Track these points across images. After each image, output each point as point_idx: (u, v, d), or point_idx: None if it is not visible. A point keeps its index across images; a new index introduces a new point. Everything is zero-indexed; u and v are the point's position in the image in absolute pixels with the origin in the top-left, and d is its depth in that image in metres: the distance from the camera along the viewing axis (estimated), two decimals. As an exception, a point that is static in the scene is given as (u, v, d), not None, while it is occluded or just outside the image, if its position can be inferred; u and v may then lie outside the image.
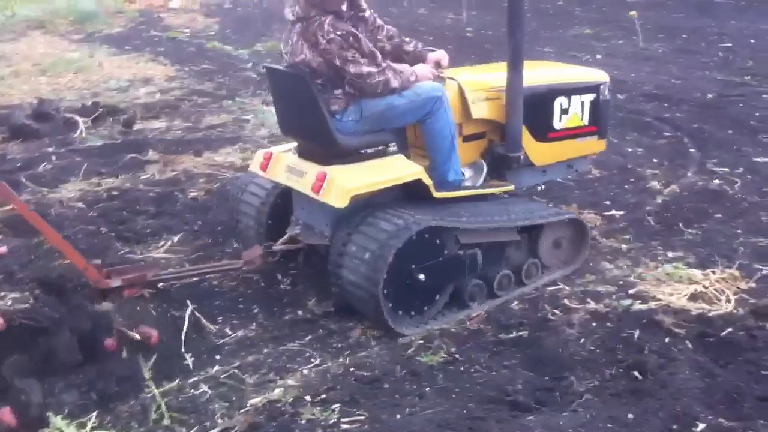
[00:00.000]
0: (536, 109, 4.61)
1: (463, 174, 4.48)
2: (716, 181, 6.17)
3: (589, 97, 4.82)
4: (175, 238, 5.11)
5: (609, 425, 3.14)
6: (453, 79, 4.50)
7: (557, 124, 4.74)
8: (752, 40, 12.77)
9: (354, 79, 4.04)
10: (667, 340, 3.77)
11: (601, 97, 4.87)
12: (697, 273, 4.52)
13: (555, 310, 4.14)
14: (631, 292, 4.32)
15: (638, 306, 4.14)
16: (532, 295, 4.36)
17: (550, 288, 4.42)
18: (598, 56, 11.82)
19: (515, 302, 4.28)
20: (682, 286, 4.37)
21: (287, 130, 4.47)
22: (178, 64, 10.76)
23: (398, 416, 3.24)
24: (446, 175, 4.34)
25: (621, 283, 4.46)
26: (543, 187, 5.07)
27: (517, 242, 4.47)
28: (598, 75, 5.00)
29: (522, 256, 4.53)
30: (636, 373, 3.50)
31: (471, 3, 16.14)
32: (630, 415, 3.21)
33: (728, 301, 4.21)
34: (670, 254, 4.85)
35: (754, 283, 4.43)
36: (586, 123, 4.85)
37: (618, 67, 10.60)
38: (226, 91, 9.05)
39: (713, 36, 13.21)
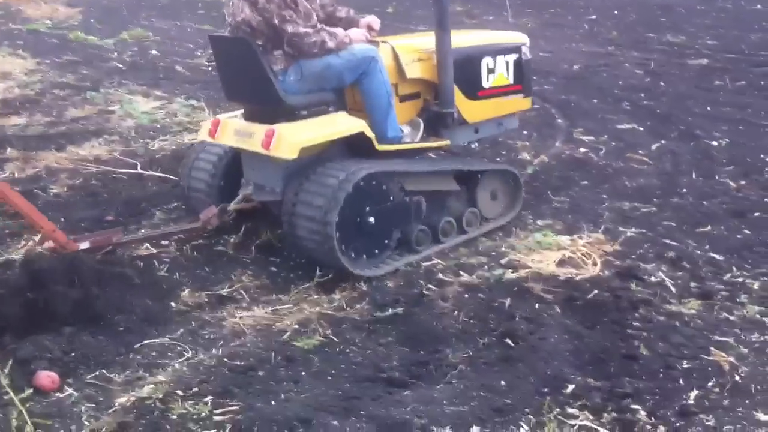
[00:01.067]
0: (465, 70, 4.87)
1: (402, 131, 4.70)
2: (582, 150, 6.37)
3: (512, 57, 5.10)
4: (36, 238, 4.86)
5: (482, 393, 3.18)
6: (386, 42, 4.76)
7: (485, 83, 5.00)
8: (616, 12, 13.25)
9: (292, 38, 4.28)
10: (537, 306, 3.86)
11: (523, 57, 5.16)
12: (565, 239, 4.65)
13: (430, 285, 4.14)
14: (502, 262, 4.39)
15: (509, 275, 4.20)
16: (407, 271, 4.35)
17: (425, 263, 4.42)
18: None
19: (390, 280, 4.27)
20: (551, 253, 4.47)
21: (233, 95, 4.74)
22: (38, 57, 10.20)
23: (273, 403, 3.17)
24: (386, 132, 4.57)
25: (493, 253, 4.52)
26: (476, 145, 5.42)
27: (456, 192, 4.81)
28: (518, 37, 5.30)
29: (462, 205, 4.85)
30: (508, 341, 3.55)
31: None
32: (503, 382, 3.26)
33: (594, 264, 4.34)
34: (540, 222, 4.96)
35: (619, 246, 4.58)
36: (512, 82, 5.12)
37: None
38: (90, 83, 8.64)
39: (579, 9, 13.62)
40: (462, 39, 4.97)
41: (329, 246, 4.12)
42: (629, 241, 4.66)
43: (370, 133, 4.41)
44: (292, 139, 4.17)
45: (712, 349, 3.48)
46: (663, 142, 6.53)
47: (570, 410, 3.08)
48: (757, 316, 3.78)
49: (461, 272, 4.27)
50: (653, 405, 3.10)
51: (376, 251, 4.40)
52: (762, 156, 6.07)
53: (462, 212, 4.82)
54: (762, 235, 4.68)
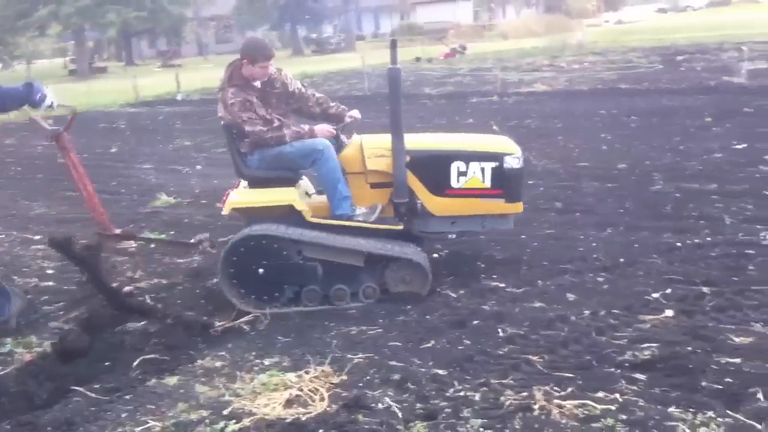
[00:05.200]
0: (433, 169, 5.66)
1: (354, 210, 5.64)
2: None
3: (489, 165, 5.65)
4: None
5: None
6: (360, 137, 5.85)
7: (455, 184, 5.66)
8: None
9: (250, 135, 5.54)
10: (260, 459, 3.60)
11: (505, 165, 5.66)
12: (292, 376, 4.47)
13: (141, 455, 3.76)
14: (225, 412, 4.10)
15: (233, 427, 3.93)
16: (119, 440, 3.94)
17: (138, 429, 4.03)
18: (198, 167, 11.86)
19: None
20: (277, 394, 4.28)
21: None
22: None
23: None
24: (335, 209, 5.63)
25: (216, 405, 4.22)
26: (454, 236, 6.00)
27: (359, 267, 5.54)
28: (501, 146, 5.83)
29: (364, 279, 5.57)
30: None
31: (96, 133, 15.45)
32: None
33: (322, 399, 4.18)
34: (267, 362, 4.75)
35: (346, 375, 4.47)
36: (489, 186, 5.68)
37: (218, 176, 10.69)
38: None
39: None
40: (436, 142, 5.89)
41: (227, 286, 5.47)
42: (356, 368, 4.56)
43: (299, 207, 5.50)
44: (230, 201, 5.57)
45: (437, 474, 3.40)
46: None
47: None
48: (481, 429, 3.78)
49: (179, 432, 3.93)
50: None
51: (265, 297, 5.46)
52: (478, 263, 6.32)
53: (361, 284, 5.54)
54: (481, 343, 4.77)
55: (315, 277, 5.48)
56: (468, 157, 5.67)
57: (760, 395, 3.86)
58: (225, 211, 5.58)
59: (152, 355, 4.93)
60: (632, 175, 9.14)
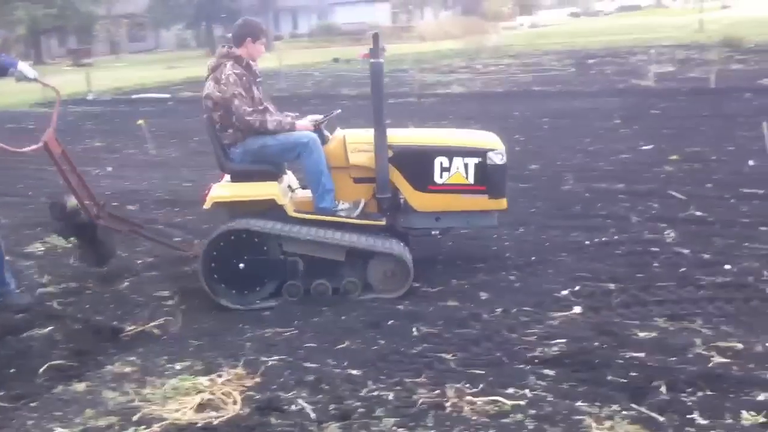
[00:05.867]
0: (416, 165, 5.59)
1: (338, 205, 5.59)
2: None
3: (472, 160, 5.58)
4: None
5: None
6: (343, 131, 5.83)
7: (438, 179, 5.59)
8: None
9: (236, 114, 5.43)
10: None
11: (488, 161, 5.59)
12: (204, 380, 4.40)
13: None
14: (134, 418, 4.01)
15: (142, 432, 3.86)
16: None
17: (43, 436, 3.91)
18: (109, 168, 11.59)
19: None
20: (188, 399, 4.21)
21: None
22: None
23: None
24: (319, 203, 5.59)
25: (125, 411, 4.12)
26: (437, 232, 5.96)
27: (340, 262, 5.46)
28: (484, 142, 5.76)
29: (345, 274, 5.51)
30: None
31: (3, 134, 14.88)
32: None
33: (234, 403, 4.13)
34: (178, 366, 4.66)
35: (260, 378, 4.43)
36: (472, 182, 5.61)
37: (129, 178, 10.47)
38: None
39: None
40: (418, 137, 5.87)
41: (204, 278, 5.42)
42: (270, 370, 4.52)
43: (280, 201, 5.44)
44: (212, 195, 5.47)
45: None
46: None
47: None
48: (394, 428, 3.80)
49: (84, 440, 3.83)
50: None
51: (246, 292, 5.45)
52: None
53: (342, 279, 5.48)
54: (396, 342, 4.80)
55: (296, 272, 5.45)
56: (451, 152, 5.60)
57: (663, 388, 4.00)
58: (206, 206, 5.49)
59: (59, 361, 4.80)
60: (544, 175, 9.35)
